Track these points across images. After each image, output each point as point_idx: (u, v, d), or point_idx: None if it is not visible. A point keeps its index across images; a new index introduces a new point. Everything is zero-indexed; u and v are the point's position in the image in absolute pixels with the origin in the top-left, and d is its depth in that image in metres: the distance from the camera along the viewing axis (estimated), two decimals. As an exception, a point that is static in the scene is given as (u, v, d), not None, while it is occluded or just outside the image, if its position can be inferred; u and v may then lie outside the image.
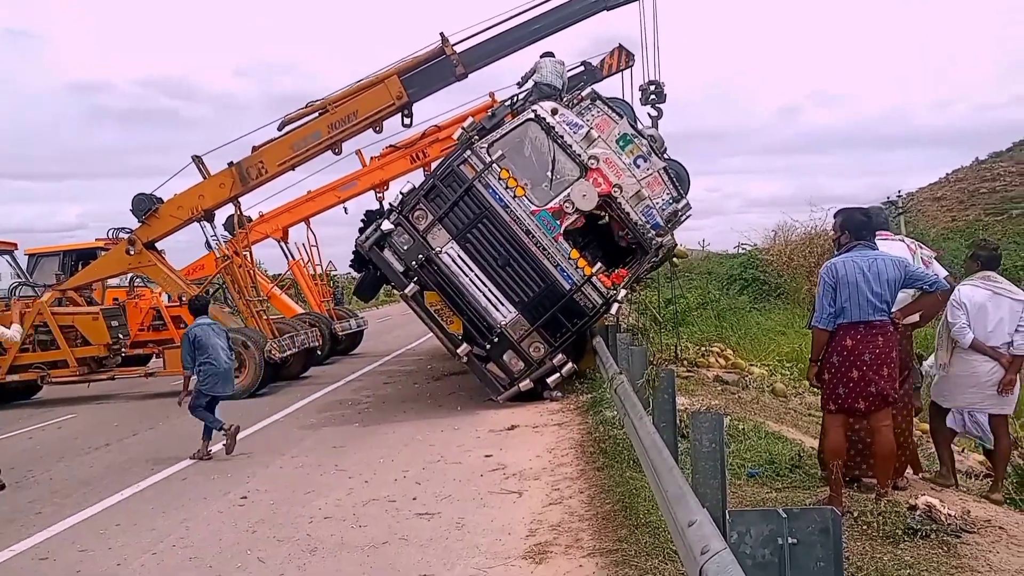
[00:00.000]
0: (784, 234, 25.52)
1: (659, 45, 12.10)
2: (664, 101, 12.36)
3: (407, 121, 12.45)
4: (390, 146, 15.90)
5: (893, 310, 5.15)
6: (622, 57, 14.23)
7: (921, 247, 5.96)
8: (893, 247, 5.70)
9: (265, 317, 13.54)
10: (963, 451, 7.91)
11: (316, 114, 12.44)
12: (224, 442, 8.47)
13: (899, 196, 43.26)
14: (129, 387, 14.81)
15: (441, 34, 11.85)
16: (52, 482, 7.97)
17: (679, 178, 10.69)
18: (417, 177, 14.89)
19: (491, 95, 14.70)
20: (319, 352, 15.75)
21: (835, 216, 5.63)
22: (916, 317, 5.48)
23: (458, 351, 10.17)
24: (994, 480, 6.05)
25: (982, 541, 4.39)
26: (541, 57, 11.64)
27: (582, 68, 14.24)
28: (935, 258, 5.96)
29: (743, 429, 7.49)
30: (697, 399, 9.20)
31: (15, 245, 14.90)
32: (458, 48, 11.88)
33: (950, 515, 4.52)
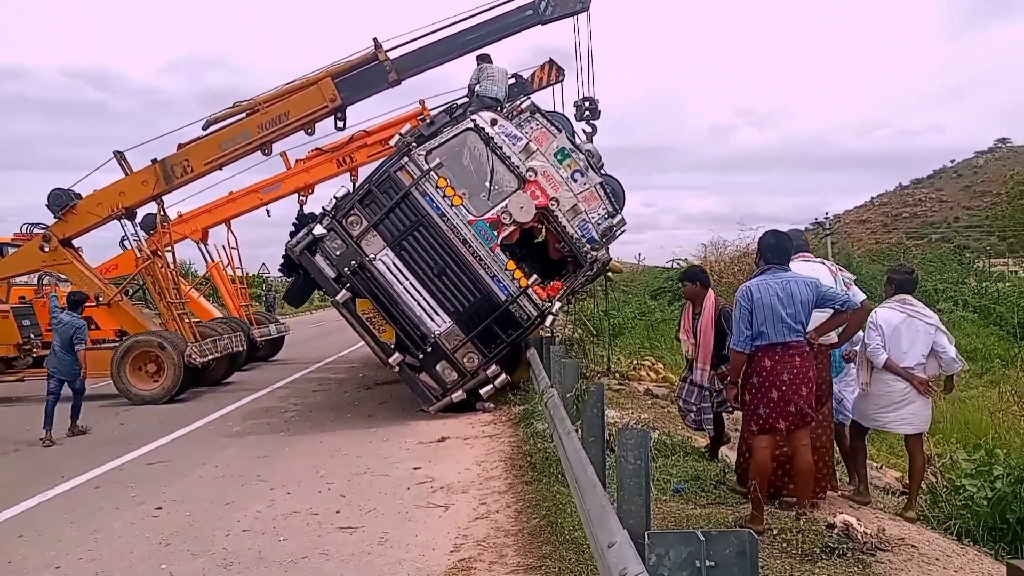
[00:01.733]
0: (715, 251, 26.18)
1: (593, 61, 12.24)
2: (598, 117, 12.49)
3: (340, 124, 12.38)
4: (316, 149, 15.65)
5: (808, 330, 5.28)
6: (552, 71, 14.34)
7: (841, 270, 6.15)
8: (816, 269, 5.86)
9: (187, 320, 13.14)
10: (880, 467, 8.17)
11: (243, 114, 12.20)
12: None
13: (826, 218, 44.82)
14: (41, 389, 14.09)
15: (374, 39, 11.80)
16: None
17: (615, 193, 10.80)
18: (342, 181, 14.91)
19: (421, 103, 14.70)
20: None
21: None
22: (833, 337, 5.64)
23: (390, 360, 10.02)
24: (909, 498, 6.24)
25: (896, 560, 4.51)
26: (478, 60, 11.63)
27: (512, 80, 14.31)
28: (854, 281, 6.14)
29: (670, 444, 7.56)
30: (627, 413, 9.27)
31: (-80, 237, 14.11)
32: (392, 55, 11.84)
33: (866, 533, 4.64)
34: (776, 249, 5.37)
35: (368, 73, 11.94)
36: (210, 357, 12.68)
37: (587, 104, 12.42)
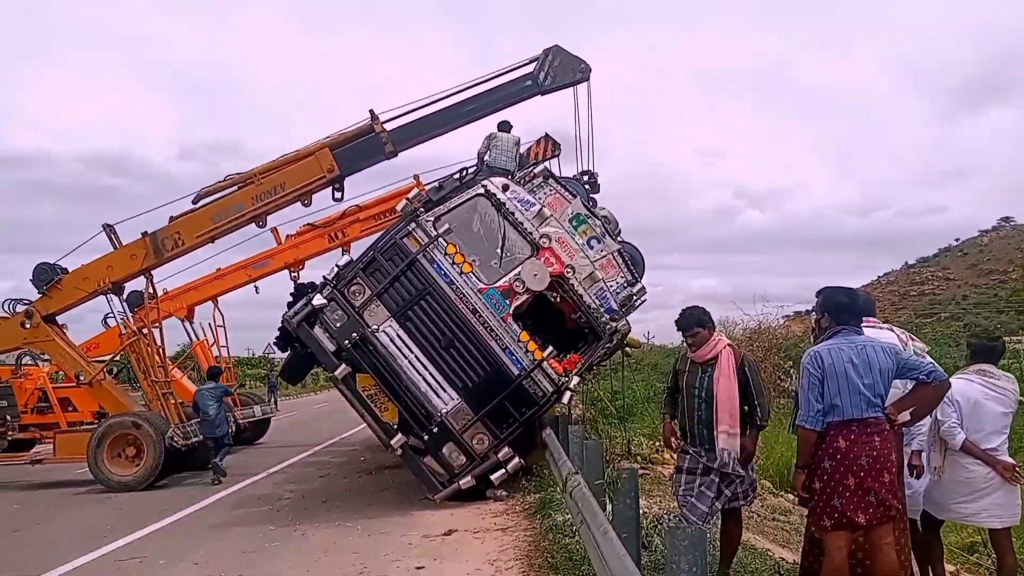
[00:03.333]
0: (727, 329, 25.35)
1: (593, 134, 11.88)
2: (598, 191, 12.06)
3: (339, 195, 11.98)
4: (307, 224, 15.28)
5: (886, 405, 4.50)
6: (548, 146, 14.13)
7: (913, 339, 5.39)
8: (882, 336, 5.11)
9: (172, 400, 12.35)
10: (959, 574, 7.20)
11: (235, 187, 11.81)
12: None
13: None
14: (17, 474, 13.19)
15: (371, 111, 11.55)
16: None
17: (633, 261, 10.13)
18: (334, 257, 14.59)
19: (416, 178, 14.37)
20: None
21: (816, 295, 5.02)
22: (905, 415, 4.84)
23: (392, 442, 9.15)
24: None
25: None
26: (498, 129, 11.27)
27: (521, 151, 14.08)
28: (927, 352, 5.39)
29: (710, 538, 6.64)
30: (655, 501, 8.35)
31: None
32: (389, 126, 11.56)
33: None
34: (848, 309, 4.63)
35: (364, 145, 11.63)
36: (194, 439, 11.81)
37: (586, 178, 11.99)
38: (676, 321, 5.83)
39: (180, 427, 11.60)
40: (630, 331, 10.39)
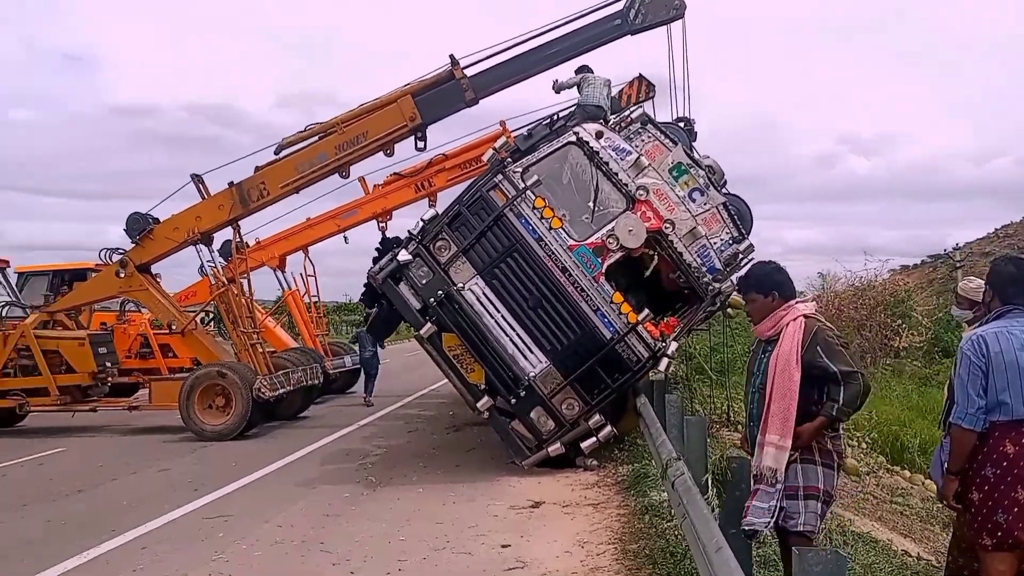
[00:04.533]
0: (830, 283, 23.87)
1: (689, 77, 10.96)
2: (695, 140, 11.13)
3: (420, 144, 11.56)
4: (394, 174, 15.10)
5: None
6: (642, 87, 13.21)
7: None
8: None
9: (260, 350, 12.37)
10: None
11: (316, 137, 11.53)
12: None
13: (957, 249, 41.26)
14: (124, 419, 13.68)
15: (451, 56, 10.96)
16: (-6, 540, 6.75)
17: (740, 215, 9.29)
18: (421, 207, 14.42)
19: (502, 124, 13.81)
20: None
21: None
22: None
23: (478, 405, 8.79)
24: None
25: None
26: (576, 72, 10.50)
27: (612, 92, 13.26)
28: None
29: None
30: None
31: (7, 263, 13.98)
32: (469, 71, 10.97)
33: None
34: (1017, 282, 3.82)
35: (444, 92, 11.11)
36: (281, 391, 11.86)
37: (682, 125, 11.07)
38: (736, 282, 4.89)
39: (267, 378, 11.62)
40: (734, 291, 9.61)
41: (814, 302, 4.29)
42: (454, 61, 10.92)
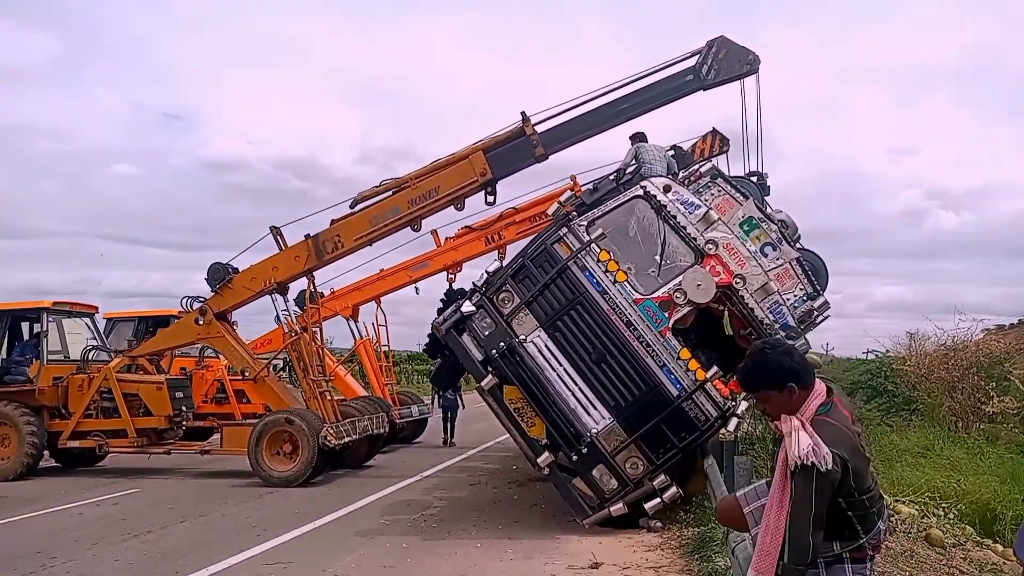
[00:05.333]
0: (919, 342, 22.74)
1: (762, 131, 10.83)
2: (768, 194, 10.91)
3: (491, 199, 11.71)
4: (466, 227, 15.40)
5: None
6: (715, 142, 13.18)
7: None
8: None
9: (329, 398, 12.59)
10: None
11: (390, 192, 11.83)
12: None
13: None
14: (197, 462, 14.05)
15: (522, 113, 11.11)
16: (66, 577, 6.93)
17: (815, 271, 8.99)
18: (491, 260, 14.69)
19: (573, 179, 13.92)
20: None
21: None
22: None
23: (539, 460, 8.62)
24: None
25: None
26: (631, 140, 10.53)
27: (671, 152, 13.20)
28: None
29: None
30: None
31: (96, 309, 14.73)
32: (541, 127, 11.09)
33: None
34: None
35: (515, 147, 11.26)
36: (347, 439, 11.97)
37: (755, 180, 10.89)
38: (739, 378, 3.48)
39: (334, 426, 11.74)
40: (809, 349, 9.25)
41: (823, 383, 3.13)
42: (525, 118, 11.10)
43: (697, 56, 10.54)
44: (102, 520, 9.62)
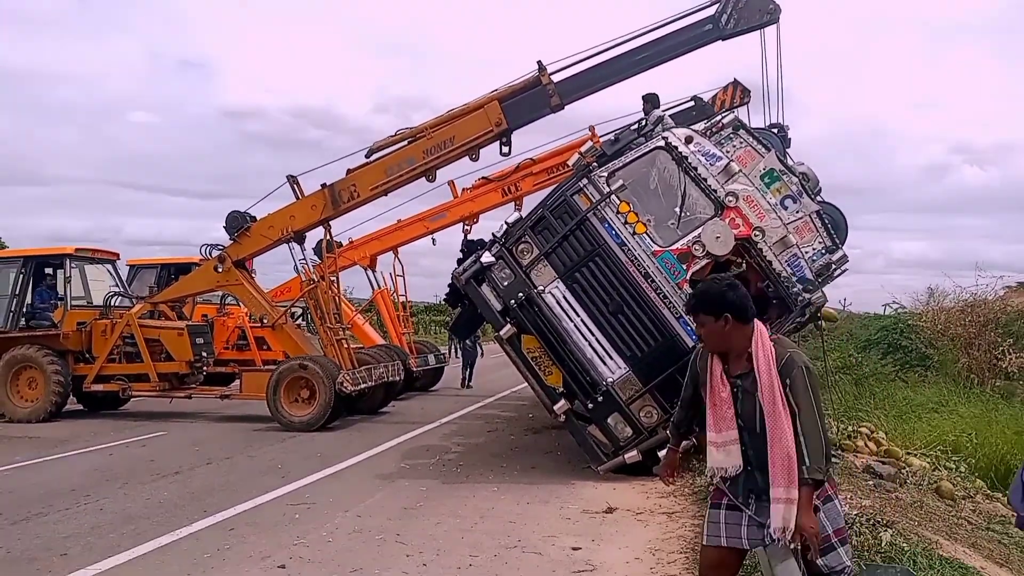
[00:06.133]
0: (938, 298, 22.63)
1: (783, 83, 10.72)
2: (788, 147, 10.80)
3: (505, 150, 11.76)
4: (483, 178, 15.44)
5: None
6: (736, 93, 13.03)
7: None
8: None
9: (345, 346, 12.81)
10: None
11: (405, 141, 11.84)
12: None
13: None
14: (218, 406, 14.38)
15: (538, 62, 11.04)
16: (101, 513, 7.23)
17: (835, 225, 8.93)
18: (507, 211, 14.53)
19: (591, 129, 13.82)
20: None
21: None
22: None
23: (555, 408, 8.77)
24: None
25: None
26: (645, 102, 10.44)
27: (692, 103, 13.13)
28: None
29: (908, 551, 5.69)
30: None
31: (117, 255, 14.95)
32: (557, 77, 11.01)
33: None
34: None
35: (530, 97, 11.21)
36: (363, 386, 12.21)
37: (776, 131, 10.78)
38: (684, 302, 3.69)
39: (350, 373, 11.96)
40: (825, 303, 9.26)
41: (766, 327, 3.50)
42: (541, 67, 11.00)
43: (716, 5, 10.37)
44: (132, 460, 9.93)
